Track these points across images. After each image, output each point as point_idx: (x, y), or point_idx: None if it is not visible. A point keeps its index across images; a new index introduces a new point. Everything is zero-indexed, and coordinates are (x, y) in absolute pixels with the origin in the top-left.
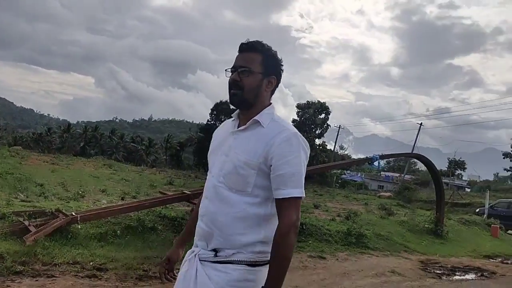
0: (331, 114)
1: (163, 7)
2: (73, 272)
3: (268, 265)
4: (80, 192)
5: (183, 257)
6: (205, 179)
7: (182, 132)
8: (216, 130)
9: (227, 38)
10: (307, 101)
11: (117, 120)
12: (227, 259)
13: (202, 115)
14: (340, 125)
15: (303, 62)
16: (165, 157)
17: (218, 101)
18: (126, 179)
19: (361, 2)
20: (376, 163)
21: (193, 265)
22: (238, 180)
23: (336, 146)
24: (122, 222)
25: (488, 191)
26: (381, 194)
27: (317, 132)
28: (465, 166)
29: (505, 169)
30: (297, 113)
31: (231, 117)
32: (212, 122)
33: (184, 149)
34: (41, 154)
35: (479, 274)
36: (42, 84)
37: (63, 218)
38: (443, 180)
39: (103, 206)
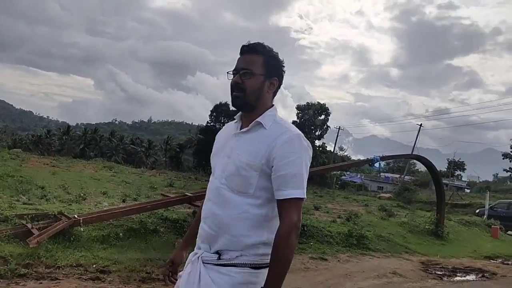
0: (330, 115)
1: (162, 8)
2: (77, 275)
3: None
4: (82, 195)
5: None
6: (206, 181)
7: (182, 133)
8: (218, 133)
9: (226, 39)
10: (307, 103)
11: (116, 122)
12: (231, 262)
13: (201, 117)
14: (339, 126)
15: (303, 63)
16: (164, 159)
17: (218, 102)
18: (126, 181)
19: (360, 3)
20: (376, 164)
21: (197, 268)
22: (241, 182)
23: (335, 147)
24: (124, 225)
25: (488, 192)
26: (381, 195)
27: (317, 133)
28: (465, 167)
29: (504, 170)
30: (297, 114)
31: (233, 119)
32: (211, 124)
33: (184, 151)
34: (41, 157)
35: (480, 275)
36: (41, 86)
37: (65, 221)
38: (443, 181)
39: (104, 208)
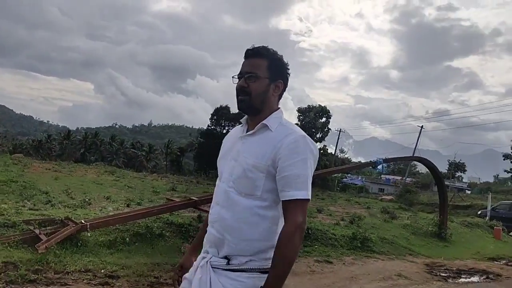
0: (331, 117)
1: (162, 12)
2: (86, 280)
3: None
4: (87, 200)
5: None
6: (207, 184)
7: (182, 137)
8: (225, 137)
9: (226, 42)
10: (308, 105)
11: (116, 126)
12: (240, 267)
13: (202, 120)
14: (340, 129)
15: (303, 66)
16: (165, 162)
17: (218, 106)
18: (129, 186)
19: (360, 5)
20: (379, 167)
21: (206, 273)
22: (248, 184)
23: (336, 150)
24: (130, 229)
25: (490, 193)
26: (382, 197)
27: (318, 136)
28: (465, 168)
29: (505, 171)
30: (298, 117)
31: (240, 122)
32: (212, 127)
33: (185, 155)
34: (43, 162)
35: (484, 277)
36: (41, 91)
37: (72, 226)
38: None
39: (110, 213)
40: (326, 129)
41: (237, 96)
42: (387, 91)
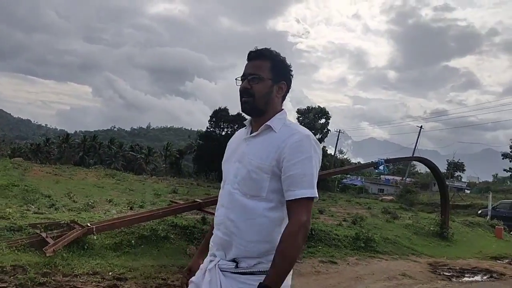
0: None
1: (159, 14)
2: (94, 283)
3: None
4: (90, 203)
5: None
6: (208, 186)
7: (181, 139)
8: (230, 140)
9: (224, 44)
10: (307, 107)
11: (115, 129)
12: (249, 270)
13: (200, 122)
14: (340, 130)
15: (300, 67)
16: (164, 165)
17: (217, 107)
18: (130, 189)
19: (357, 6)
20: (381, 167)
21: (216, 276)
22: (253, 185)
23: (336, 151)
24: (135, 232)
25: (491, 192)
26: (383, 197)
27: (317, 137)
28: (464, 168)
29: (504, 170)
30: (297, 118)
31: (244, 125)
32: (211, 129)
33: (184, 157)
34: (43, 165)
35: (488, 276)
36: (39, 95)
37: (79, 229)
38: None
39: (114, 216)
40: (326, 130)
41: (241, 98)
42: (385, 92)
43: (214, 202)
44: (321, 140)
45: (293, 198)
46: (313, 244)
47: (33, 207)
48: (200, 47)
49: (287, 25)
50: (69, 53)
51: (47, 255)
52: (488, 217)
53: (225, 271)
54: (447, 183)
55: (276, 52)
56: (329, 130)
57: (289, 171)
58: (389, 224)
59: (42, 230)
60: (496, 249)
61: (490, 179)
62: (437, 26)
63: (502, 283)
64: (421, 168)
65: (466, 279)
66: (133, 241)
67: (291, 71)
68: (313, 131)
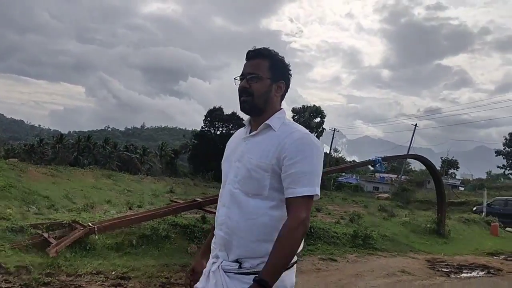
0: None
1: (152, 14)
2: (99, 282)
3: (293, 267)
4: (90, 203)
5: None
6: (204, 186)
7: (175, 139)
8: (229, 139)
9: (217, 44)
10: (303, 105)
11: (109, 129)
12: (253, 270)
13: (195, 122)
14: (335, 128)
15: (295, 66)
16: (160, 165)
17: (211, 107)
18: (128, 189)
19: (350, 6)
20: (378, 165)
21: (220, 278)
22: (253, 184)
23: (331, 149)
24: (136, 232)
25: (486, 189)
26: (379, 195)
27: None
28: (458, 165)
29: (498, 167)
30: (293, 117)
31: (241, 124)
32: (206, 129)
33: (179, 157)
34: (39, 166)
35: (485, 272)
36: (31, 95)
37: (81, 229)
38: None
39: (114, 216)
40: (321, 129)
41: (240, 97)
42: (378, 90)
43: (214, 201)
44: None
45: (293, 196)
46: (312, 241)
47: (33, 208)
48: (194, 46)
49: (280, 24)
50: (62, 53)
51: (50, 255)
52: (483, 214)
53: (229, 272)
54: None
55: (274, 52)
56: (324, 128)
57: (290, 170)
58: (386, 221)
59: (44, 230)
60: (492, 246)
61: (484, 176)
62: (430, 25)
63: (499, 278)
64: (416, 166)
65: (464, 275)
66: (134, 241)
67: (290, 70)
68: (308, 130)
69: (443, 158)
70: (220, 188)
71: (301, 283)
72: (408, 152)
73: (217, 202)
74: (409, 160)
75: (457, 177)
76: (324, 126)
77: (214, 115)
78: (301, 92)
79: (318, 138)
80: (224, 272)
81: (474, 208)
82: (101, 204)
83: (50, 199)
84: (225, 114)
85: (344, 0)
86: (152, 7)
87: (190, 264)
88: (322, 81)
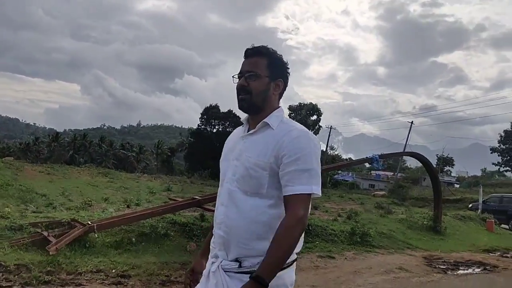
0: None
1: (147, 11)
2: (99, 280)
3: (293, 265)
4: (88, 202)
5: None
6: (201, 184)
7: (172, 137)
8: (227, 138)
9: (213, 41)
10: (299, 103)
11: (105, 127)
12: (253, 269)
13: (191, 120)
14: (331, 126)
15: (291, 64)
16: (156, 163)
17: (207, 105)
18: (124, 187)
19: (346, 3)
20: (376, 163)
21: (221, 278)
22: (252, 183)
23: (327, 147)
24: (135, 230)
25: (481, 186)
26: (375, 193)
27: None
28: (453, 163)
29: (493, 164)
30: (289, 115)
31: (238, 123)
32: (202, 127)
33: (175, 155)
34: (35, 165)
35: (481, 268)
36: (26, 93)
37: (80, 228)
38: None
39: (112, 214)
40: (317, 126)
41: (238, 95)
42: (374, 88)
43: (213, 199)
44: None
45: (290, 194)
46: (310, 239)
47: (31, 206)
48: (189, 44)
49: (276, 21)
50: (57, 51)
51: (50, 253)
52: (479, 211)
53: (229, 271)
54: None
55: (273, 50)
56: (321, 126)
57: (288, 167)
58: (383, 219)
59: (43, 229)
60: (488, 242)
61: (479, 173)
62: (426, 21)
63: (495, 275)
64: (411, 163)
65: (461, 271)
66: (133, 239)
67: (288, 68)
68: None
69: (438, 156)
70: (217, 186)
71: (300, 281)
72: (404, 149)
73: (215, 200)
74: (404, 157)
75: (452, 174)
76: (320, 123)
77: (211, 113)
78: (297, 89)
79: (315, 136)
80: (224, 271)
81: (470, 205)
82: (98, 202)
83: (47, 198)
84: (221, 112)
85: None
86: (147, 4)
87: (190, 262)
88: (318, 79)
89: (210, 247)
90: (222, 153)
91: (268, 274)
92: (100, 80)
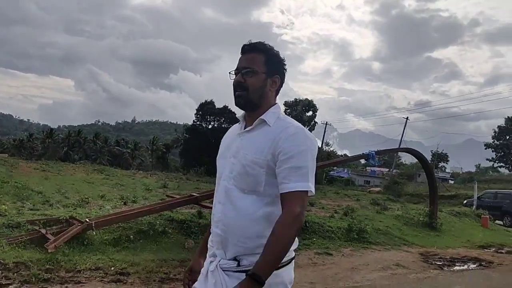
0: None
1: (141, 5)
2: (98, 278)
3: (291, 263)
4: (85, 199)
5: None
6: (197, 180)
7: (167, 133)
8: (224, 136)
9: (208, 36)
10: (295, 99)
11: (99, 124)
12: (251, 267)
13: (186, 116)
14: (327, 122)
15: (286, 59)
16: (151, 160)
17: (202, 101)
18: (120, 184)
19: None
20: (372, 159)
21: (219, 277)
22: (249, 180)
23: (323, 143)
24: (133, 227)
25: (476, 182)
26: (370, 189)
27: None
28: (448, 159)
29: (487, 159)
30: (285, 110)
31: (234, 119)
32: (197, 123)
33: (170, 151)
34: (29, 162)
35: (477, 264)
36: (20, 89)
37: (78, 225)
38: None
39: (110, 211)
40: (313, 122)
41: (235, 91)
42: (369, 83)
43: (210, 195)
44: None
45: (287, 191)
46: (307, 236)
47: (28, 203)
48: (184, 38)
49: (271, 16)
50: (51, 46)
51: (49, 251)
52: (474, 207)
53: (227, 270)
54: None
55: (270, 46)
56: (316, 122)
57: (284, 164)
58: (379, 215)
59: (41, 226)
60: (483, 238)
61: (473, 169)
62: (420, 16)
63: (491, 271)
64: (406, 159)
65: (457, 267)
66: (131, 236)
67: (285, 65)
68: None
69: (433, 152)
70: (213, 183)
71: (298, 277)
72: (399, 145)
73: (213, 197)
74: (399, 153)
75: (447, 170)
76: (316, 119)
77: (206, 109)
78: (292, 85)
79: (311, 132)
80: (223, 271)
81: (465, 202)
82: (95, 199)
83: (43, 195)
84: (216, 108)
85: None
86: None
87: (188, 259)
88: (313, 74)
89: (208, 245)
90: (219, 150)
91: (265, 272)
92: (94, 75)
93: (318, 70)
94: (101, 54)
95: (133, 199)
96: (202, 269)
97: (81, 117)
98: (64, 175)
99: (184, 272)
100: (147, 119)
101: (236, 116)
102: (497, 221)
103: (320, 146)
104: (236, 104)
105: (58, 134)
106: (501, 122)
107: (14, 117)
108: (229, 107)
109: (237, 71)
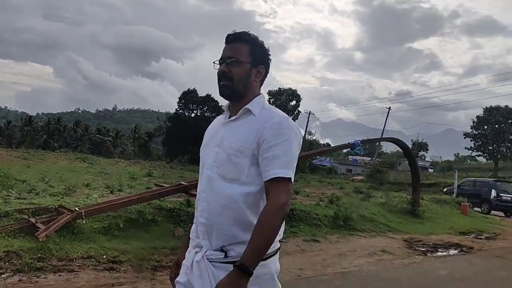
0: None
1: None
2: (91, 266)
3: (277, 254)
4: (70, 187)
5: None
6: (181, 169)
7: (148, 121)
8: (209, 126)
9: (190, 24)
10: (279, 88)
11: (79, 111)
12: (238, 258)
13: (168, 104)
14: (310, 111)
15: (269, 48)
16: (133, 148)
17: (185, 89)
18: (104, 173)
19: None
20: (358, 149)
21: (205, 269)
22: (232, 169)
23: (306, 133)
24: (122, 216)
25: (456, 171)
26: (353, 177)
27: None
28: (428, 148)
29: (466, 148)
30: (269, 100)
31: (218, 107)
32: (180, 111)
33: (153, 139)
34: (10, 150)
35: (458, 250)
36: None
37: (68, 214)
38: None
39: (98, 200)
40: (296, 112)
41: (219, 81)
42: (351, 73)
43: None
44: None
45: (269, 178)
46: (295, 224)
47: (14, 192)
48: (166, 26)
49: (254, 4)
50: (28, 32)
51: (40, 240)
52: (454, 194)
53: (214, 261)
54: None
55: (254, 36)
56: (300, 111)
57: (267, 152)
58: (364, 202)
59: (30, 215)
60: (463, 225)
61: (452, 158)
62: (402, 7)
63: (472, 256)
64: (387, 148)
65: (439, 253)
66: (121, 225)
67: (270, 55)
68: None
69: (413, 141)
70: (197, 171)
71: (287, 264)
72: (382, 135)
73: None
74: (381, 142)
75: (426, 159)
76: (299, 109)
77: (189, 97)
78: (275, 74)
79: (294, 121)
80: (210, 261)
81: (445, 190)
82: (80, 188)
83: (28, 183)
84: (199, 96)
85: None
86: None
87: (179, 247)
88: (296, 63)
89: (191, 236)
90: (203, 141)
91: (252, 262)
92: (74, 62)
93: (301, 60)
94: (81, 40)
95: (119, 187)
96: (184, 260)
97: (60, 104)
98: (47, 163)
99: (171, 266)
100: (129, 107)
101: (220, 105)
102: (475, 209)
103: (304, 135)
104: (221, 94)
105: (37, 122)
106: (480, 112)
107: None
108: (212, 96)
109: (222, 60)
